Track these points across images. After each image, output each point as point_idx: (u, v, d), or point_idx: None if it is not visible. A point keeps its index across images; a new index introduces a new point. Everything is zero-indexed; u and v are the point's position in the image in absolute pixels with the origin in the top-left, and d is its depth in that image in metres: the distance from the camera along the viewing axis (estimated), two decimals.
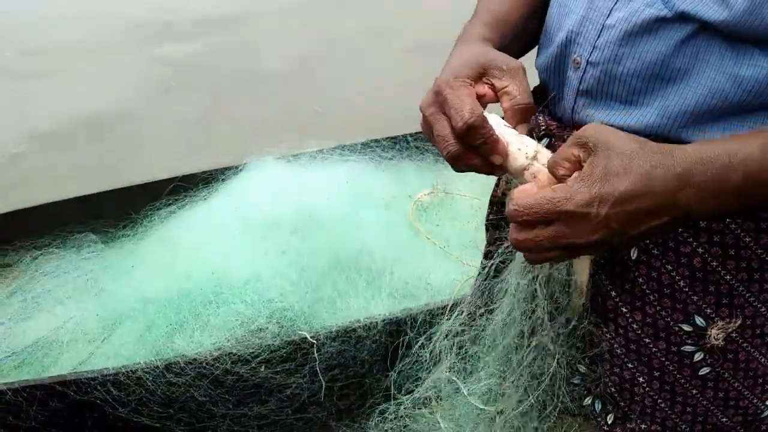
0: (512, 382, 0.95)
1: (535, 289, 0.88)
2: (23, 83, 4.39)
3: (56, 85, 4.33)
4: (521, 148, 0.71)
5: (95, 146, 3.56)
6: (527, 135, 0.74)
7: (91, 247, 2.07)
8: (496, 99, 0.78)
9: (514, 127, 0.74)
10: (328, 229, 1.69)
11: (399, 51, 4.49)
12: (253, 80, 4.26)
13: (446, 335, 1.04)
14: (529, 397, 0.95)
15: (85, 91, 4.22)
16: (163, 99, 4.08)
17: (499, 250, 0.93)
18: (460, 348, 1.03)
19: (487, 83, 0.77)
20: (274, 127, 3.57)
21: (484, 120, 0.71)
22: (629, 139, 0.66)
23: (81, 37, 5.09)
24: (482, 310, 0.96)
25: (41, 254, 2.09)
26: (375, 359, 1.46)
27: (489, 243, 1.01)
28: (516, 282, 0.90)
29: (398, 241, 1.72)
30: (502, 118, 0.76)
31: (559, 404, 0.95)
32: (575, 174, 0.66)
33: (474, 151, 0.73)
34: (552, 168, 0.69)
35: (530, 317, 0.91)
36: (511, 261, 0.92)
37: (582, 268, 0.85)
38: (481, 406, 1.00)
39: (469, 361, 1.02)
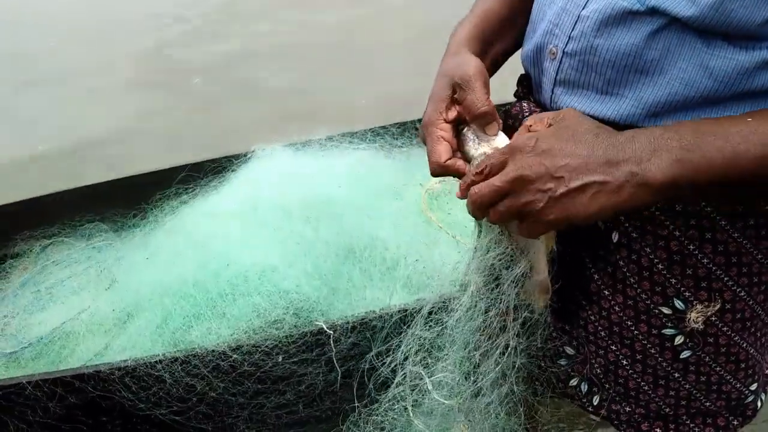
0: (477, 377, 0.94)
1: (496, 285, 0.88)
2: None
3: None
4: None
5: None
6: (500, 131, 0.82)
7: (101, 236, 2.07)
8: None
9: (485, 132, 0.82)
10: (341, 219, 1.69)
11: (405, 36, 4.45)
12: (259, 69, 4.22)
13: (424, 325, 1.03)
14: (495, 389, 0.95)
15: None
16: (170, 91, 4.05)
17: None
18: (429, 349, 1.03)
19: (455, 103, 0.85)
20: (279, 115, 3.56)
21: (446, 167, 0.82)
22: (593, 123, 0.75)
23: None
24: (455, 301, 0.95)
25: (51, 243, 2.08)
26: (389, 350, 1.47)
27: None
28: (475, 278, 0.91)
29: (411, 230, 1.72)
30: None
31: (522, 393, 0.95)
32: None
33: None
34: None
35: (490, 311, 0.91)
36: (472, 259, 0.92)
37: (542, 267, 0.85)
38: (444, 401, 0.99)
39: (432, 355, 1.02)
